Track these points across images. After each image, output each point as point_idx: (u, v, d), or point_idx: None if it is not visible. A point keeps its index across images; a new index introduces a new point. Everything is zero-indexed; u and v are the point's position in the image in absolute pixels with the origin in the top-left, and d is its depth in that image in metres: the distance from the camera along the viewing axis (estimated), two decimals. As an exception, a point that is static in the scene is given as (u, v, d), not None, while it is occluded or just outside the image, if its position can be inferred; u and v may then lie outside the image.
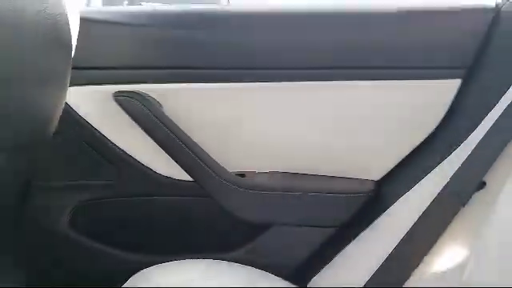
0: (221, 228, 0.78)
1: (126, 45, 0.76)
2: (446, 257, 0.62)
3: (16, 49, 0.45)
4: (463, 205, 0.62)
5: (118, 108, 0.74)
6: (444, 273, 0.61)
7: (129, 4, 2.16)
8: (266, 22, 0.75)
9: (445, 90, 0.72)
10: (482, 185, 0.62)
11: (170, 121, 0.75)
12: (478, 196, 0.61)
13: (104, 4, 2.02)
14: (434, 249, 0.63)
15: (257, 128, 0.77)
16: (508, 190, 0.57)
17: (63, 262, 0.79)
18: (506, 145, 0.59)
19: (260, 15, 0.76)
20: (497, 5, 0.71)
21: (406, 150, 0.75)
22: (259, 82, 0.74)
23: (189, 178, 0.78)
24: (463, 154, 0.65)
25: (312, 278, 0.74)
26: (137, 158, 0.78)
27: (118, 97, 0.74)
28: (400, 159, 0.75)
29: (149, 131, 0.75)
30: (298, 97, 0.74)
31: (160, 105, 0.76)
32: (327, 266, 0.74)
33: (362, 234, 0.73)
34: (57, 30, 0.51)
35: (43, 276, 0.79)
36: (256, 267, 0.71)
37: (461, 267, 0.59)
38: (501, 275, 0.55)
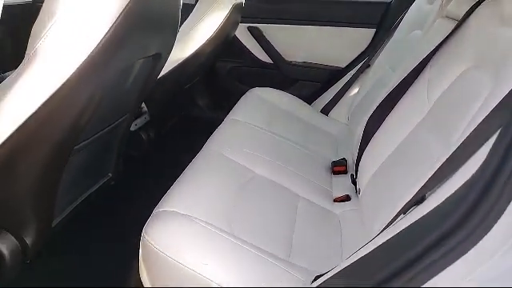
0: (283, 82, 2.07)
1: (252, 9, 2.02)
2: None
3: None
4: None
5: (248, 33, 2.04)
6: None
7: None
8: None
9: (369, 33, 1.91)
10: (368, 66, 1.83)
11: (267, 39, 2.04)
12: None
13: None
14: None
15: (300, 44, 2.04)
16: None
17: (223, 91, 2.17)
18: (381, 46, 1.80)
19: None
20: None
21: (353, 56, 1.96)
22: (301, 25, 2.00)
23: (270, 61, 2.08)
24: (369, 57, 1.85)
25: (316, 99, 2.01)
26: (253, 52, 2.09)
27: (249, 28, 2.05)
28: (350, 60, 1.97)
29: (259, 42, 2.05)
30: (309, 32, 1.99)
31: (264, 31, 2.04)
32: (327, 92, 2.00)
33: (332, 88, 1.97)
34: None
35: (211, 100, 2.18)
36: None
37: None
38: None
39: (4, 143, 0.77)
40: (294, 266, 0.87)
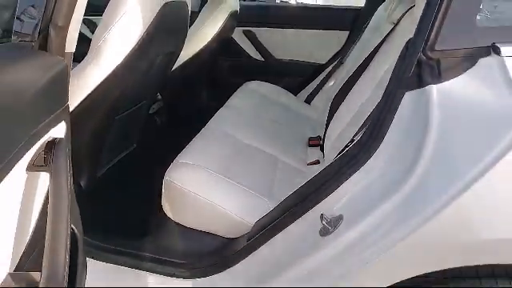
0: (273, 77, 2.44)
1: (247, 16, 2.40)
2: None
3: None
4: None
5: (244, 36, 2.43)
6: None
7: None
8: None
9: (343, 35, 2.29)
10: (342, 62, 2.20)
11: (259, 41, 2.42)
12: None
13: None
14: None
15: (287, 45, 2.42)
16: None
17: (222, 84, 2.55)
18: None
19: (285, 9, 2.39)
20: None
21: (331, 55, 2.34)
22: (287, 29, 2.38)
23: (262, 59, 2.46)
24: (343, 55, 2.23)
25: (301, 91, 2.39)
26: (247, 51, 2.49)
27: (244, 31, 2.44)
28: (328, 58, 2.35)
29: (252, 43, 2.45)
30: (295, 34, 2.39)
31: (256, 34, 2.42)
32: (309, 84, 2.37)
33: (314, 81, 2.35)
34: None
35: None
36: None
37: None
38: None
39: (77, 107, 1.12)
40: (273, 202, 1.24)
